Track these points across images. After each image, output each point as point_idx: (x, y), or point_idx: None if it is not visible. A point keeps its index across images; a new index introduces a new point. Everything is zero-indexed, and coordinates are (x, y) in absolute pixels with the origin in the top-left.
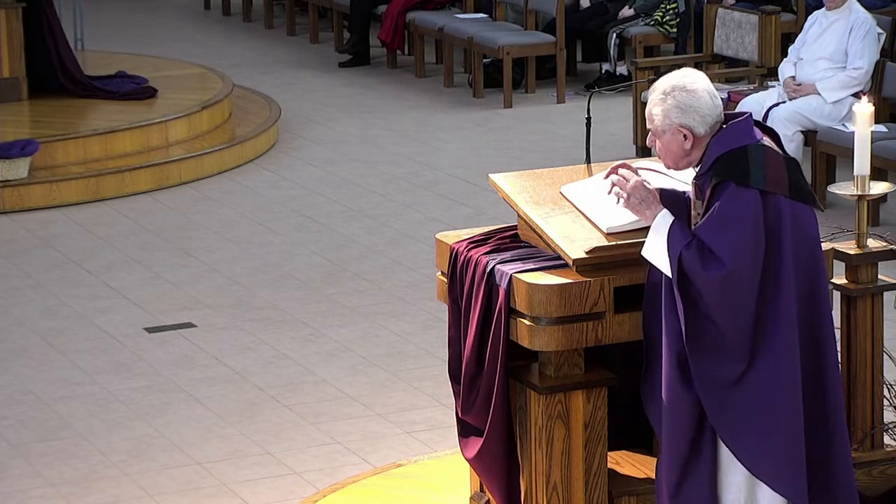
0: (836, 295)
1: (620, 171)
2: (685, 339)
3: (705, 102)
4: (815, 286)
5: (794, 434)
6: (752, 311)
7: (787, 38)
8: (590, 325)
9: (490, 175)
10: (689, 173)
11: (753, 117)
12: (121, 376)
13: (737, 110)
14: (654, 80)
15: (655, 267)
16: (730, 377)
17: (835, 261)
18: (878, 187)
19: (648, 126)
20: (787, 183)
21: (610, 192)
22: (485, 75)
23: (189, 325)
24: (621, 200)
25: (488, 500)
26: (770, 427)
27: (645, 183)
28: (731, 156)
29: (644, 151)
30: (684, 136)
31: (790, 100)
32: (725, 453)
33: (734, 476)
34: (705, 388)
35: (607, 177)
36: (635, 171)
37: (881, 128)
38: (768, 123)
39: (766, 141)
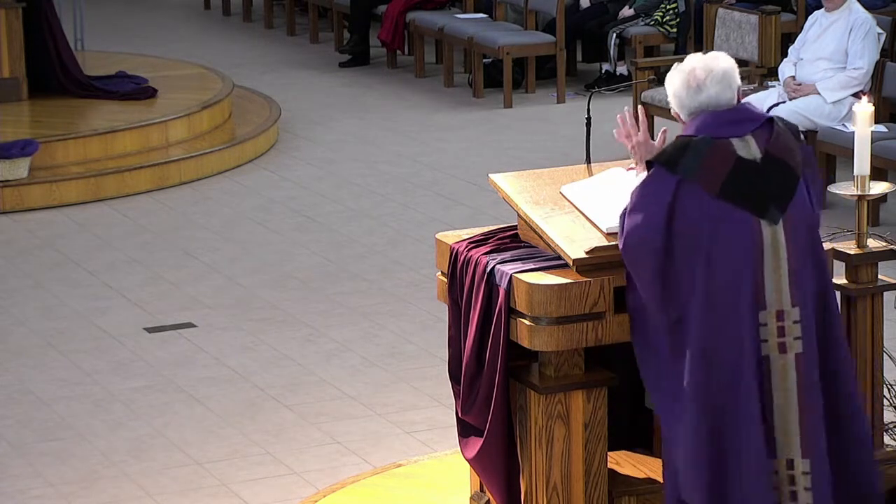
0: (837, 295)
1: (629, 120)
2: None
3: (677, 88)
4: (741, 299)
5: (697, 436)
6: (657, 292)
7: (787, 38)
8: (590, 325)
9: (490, 175)
10: None
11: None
12: (121, 376)
13: None
14: (653, 81)
15: None
16: (660, 357)
17: (835, 261)
18: (878, 187)
19: None
20: (720, 182)
21: (606, 205)
22: (485, 75)
23: (189, 325)
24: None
25: (488, 500)
26: (679, 424)
27: (648, 139)
28: (676, 143)
29: None
30: (676, 114)
31: (790, 100)
32: None
33: None
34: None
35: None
36: (637, 125)
37: (881, 128)
38: None
39: (740, 140)
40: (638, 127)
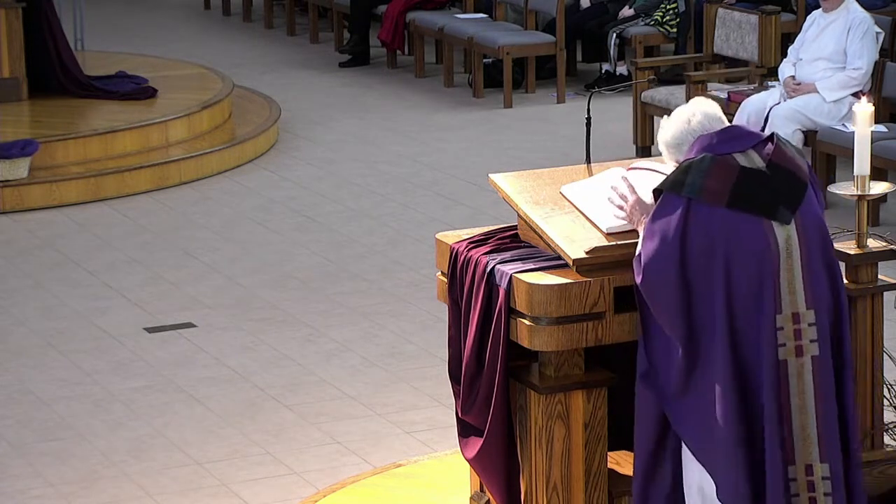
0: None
1: (617, 188)
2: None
3: (672, 131)
4: (763, 304)
5: (732, 450)
6: (681, 317)
7: (787, 38)
8: (590, 325)
9: (490, 175)
10: None
11: (756, 127)
12: (121, 376)
13: (739, 110)
14: (653, 81)
15: None
16: (677, 383)
17: None
18: (878, 187)
19: None
20: (727, 193)
21: (606, 205)
22: (485, 75)
23: (189, 325)
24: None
25: (488, 500)
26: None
27: (640, 198)
28: (678, 168)
29: (643, 151)
30: (676, 161)
31: (790, 99)
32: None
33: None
34: (663, 396)
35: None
36: (630, 186)
37: (881, 128)
38: (768, 123)
39: (742, 154)
40: (629, 190)
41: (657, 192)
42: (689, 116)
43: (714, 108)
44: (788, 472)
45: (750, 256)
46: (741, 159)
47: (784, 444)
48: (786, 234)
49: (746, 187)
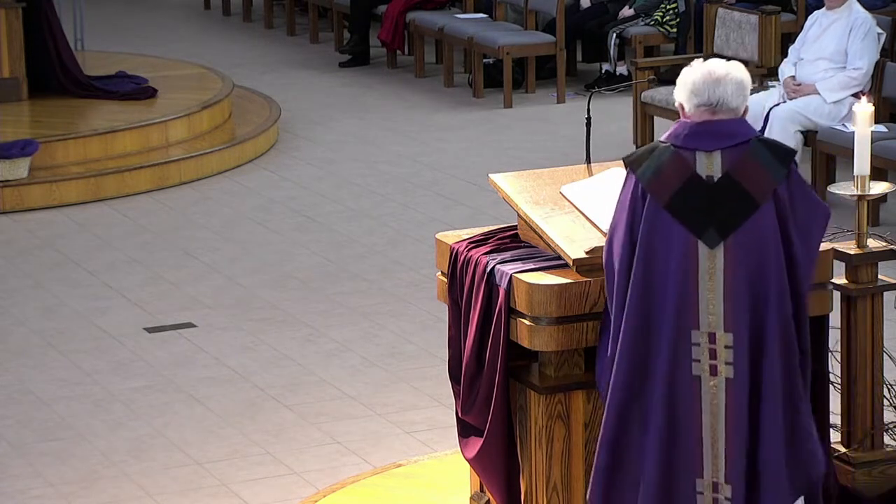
0: (836, 295)
1: None
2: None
3: (696, 78)
4: (681, 316)
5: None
6: (620, 295)
7: (787, 38)
8: (590, 325)
9: (490, 175)
10: None
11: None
12: (121, 376)
13: None
14: (653, 81)
15: None
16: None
17: (835, 261)
18: (878, 187)
19: None
20: (670, 193)
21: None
22: (485, 75)
23: (189, 325)
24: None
25: (488, 500)
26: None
27: None
28: (647, 146)
29: None
30: (680, 106)
31: (790, 100)
32: None
33: None
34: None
35: None
36: None
37: (881, 128)
38: (768, 123)
39: (706, 155)
40: None
41: (625, 163)
42: (721, 78)
43: (745, 85)
44: (696, 484)
45: (669, 263)
46: (700, 161)
47: (693, 457)
48: (709, 255)
49: (687, 197)
